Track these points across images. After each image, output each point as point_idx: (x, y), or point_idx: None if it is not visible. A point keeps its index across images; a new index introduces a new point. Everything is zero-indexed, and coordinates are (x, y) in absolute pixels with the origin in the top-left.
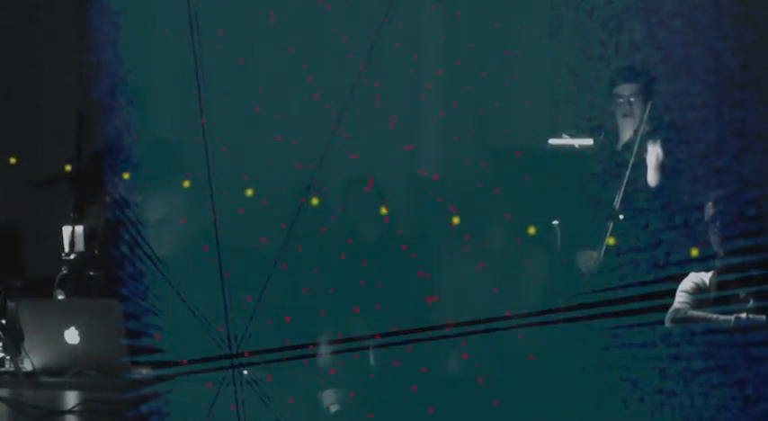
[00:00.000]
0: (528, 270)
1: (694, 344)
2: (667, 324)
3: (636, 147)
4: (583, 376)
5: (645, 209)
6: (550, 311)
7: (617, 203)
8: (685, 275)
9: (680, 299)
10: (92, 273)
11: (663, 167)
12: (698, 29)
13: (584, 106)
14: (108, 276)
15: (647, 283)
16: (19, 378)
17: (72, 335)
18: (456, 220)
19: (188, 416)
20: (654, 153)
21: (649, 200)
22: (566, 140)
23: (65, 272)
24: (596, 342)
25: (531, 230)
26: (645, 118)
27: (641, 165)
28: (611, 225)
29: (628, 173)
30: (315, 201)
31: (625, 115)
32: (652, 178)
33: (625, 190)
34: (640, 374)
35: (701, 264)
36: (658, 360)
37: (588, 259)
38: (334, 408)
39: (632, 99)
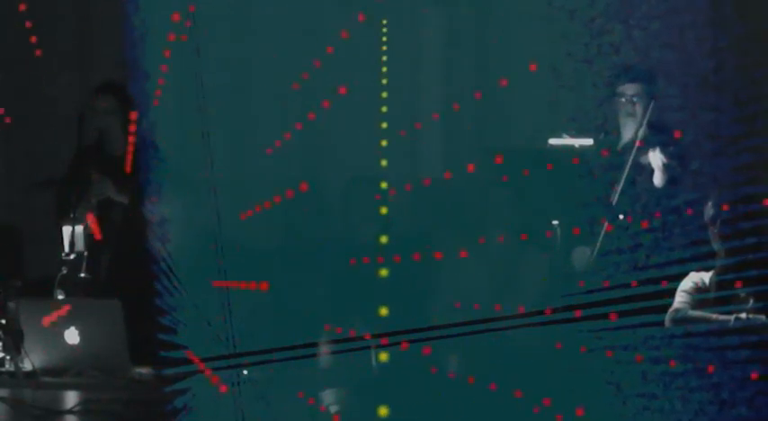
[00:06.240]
0: (527, 270)
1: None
2: (667, 324)
3: (635, 148)
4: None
5: (639, 209)
6: (544, 312)
7: (614, 202)
8: (685, 275)
9: (680, 299)
10: (83, 275)
11: (663, 170)
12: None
13: (583, 107)
14: (99, 276)
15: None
16: (19, 378)
17: (72, 335)
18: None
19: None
20: (654, 156)
21: (645, 199)
22: (566, 140)
23: (65, 272)
24: (586, 344)
25: (530, 230)
26: (645, 119)
27: (639, 164)
28: (607, 224)
29: (626, 172)
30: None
31: (628, 115)
32: (655, 180)
33: (623, 189)
34: (623, 377)
35: (699, 263)
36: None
37: (582, 255)
38: (334, 408)
39: (635, 99)
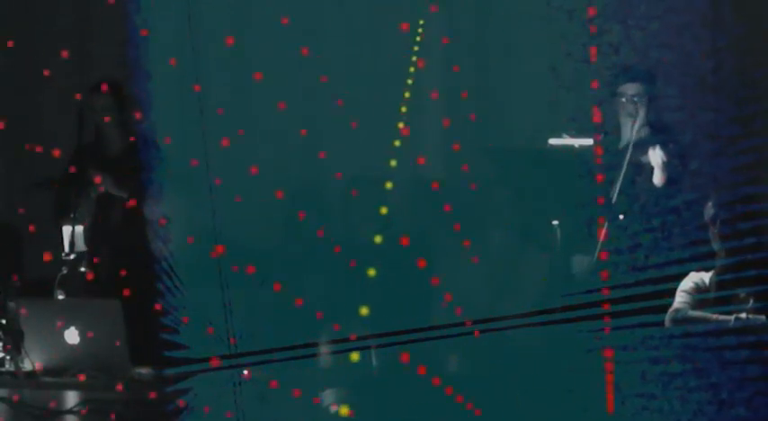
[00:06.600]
0: (527, 270)
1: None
2: (667, 324)
3: (630, 148)
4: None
5: (639, 209)
6: (544, 312)
7: (613, 202)
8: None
9: (680, 299)
10: (82, 269)
11: (663, 168)
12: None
13: (583, 107)
14: (100, 274)
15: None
16: (19, 378)
17: (72, 335)
18: (378, 239)
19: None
20: (654, 154)
21: (644, 199)
22: (566, 140)
23: (65, 272)
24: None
25: (531, 230)
26: (641, 118)
27: (638, 164)
28: (607, 224)
29: (623, 172)
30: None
31: (628, 115)
32: (654, 179)
33: (622, 189)
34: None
35: (699, 263)
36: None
37: (583, 262)
38: (334, 408)
39: (636, 99)
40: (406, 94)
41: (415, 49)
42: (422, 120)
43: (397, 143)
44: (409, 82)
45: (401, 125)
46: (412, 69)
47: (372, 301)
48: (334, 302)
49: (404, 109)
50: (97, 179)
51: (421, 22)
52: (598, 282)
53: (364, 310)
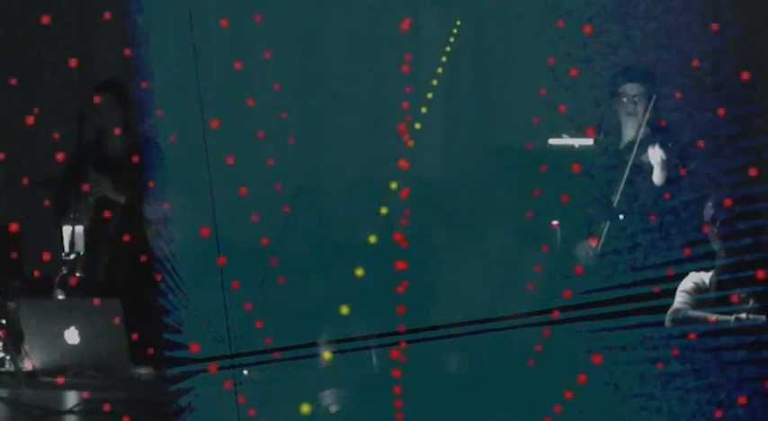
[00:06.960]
0: (527, 270)
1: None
2: (667, 324)
3: (636, 147)
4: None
5: (641, 209)
6: (543, 312)
7: (615, 202)
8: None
9: (680, 299)
10: (77, 274)
11: (663, 167)
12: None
13: (581, 106)
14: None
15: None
16: (19, 378)
17: (72, 335)
18: (372, 239)
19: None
20: (654, 153)
21: (647, 199)
22: (566, 140)
23: (65, 272)
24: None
25: (530, 230)
26: (645, 118)
27: (641, 164)
28: (608, 224)
29: (627, 172)
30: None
31: (628, 114)
32: (654, 178)
33: (624, 189)
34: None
35: (698, 263)
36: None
37: (586, 250)
38: (333, 408)
39: (636, 99)
40: (429, 95)
41: (447, 49)
42: (422, 121)
43: (411, 143)
44: (434, 82)
45: (417, 125)
46: (440, 70)
47: (372, 301)
48: (333, 302)
49: (424, 109)
50: (95, 179)
51: (458, 22)
52: (597, 282)
53: (363, 310)
